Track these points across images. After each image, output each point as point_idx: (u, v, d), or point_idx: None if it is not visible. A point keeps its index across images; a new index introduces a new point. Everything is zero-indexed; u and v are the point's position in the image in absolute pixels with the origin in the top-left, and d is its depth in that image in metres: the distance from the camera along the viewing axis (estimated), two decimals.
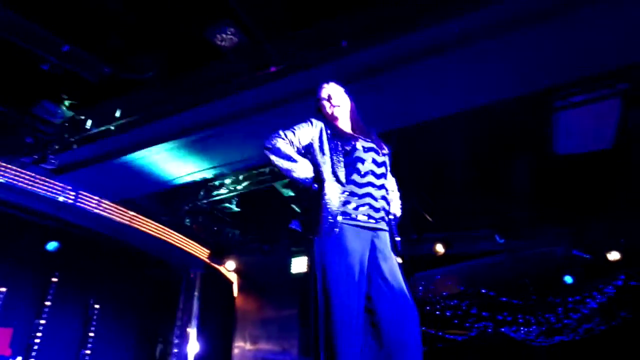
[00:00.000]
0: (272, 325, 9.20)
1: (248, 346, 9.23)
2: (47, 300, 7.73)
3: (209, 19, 4.29)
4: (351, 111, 2.41)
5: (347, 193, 2.11)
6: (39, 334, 7.50)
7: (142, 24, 4.37)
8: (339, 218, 2.05)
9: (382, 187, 2.21)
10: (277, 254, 8.81)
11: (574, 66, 4.34)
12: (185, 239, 8.51)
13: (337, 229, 2.03)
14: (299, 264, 8.49)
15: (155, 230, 7.97)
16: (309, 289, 2.06)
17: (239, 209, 7.82)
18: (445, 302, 8.97)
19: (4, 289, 7.07)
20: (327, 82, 2.43)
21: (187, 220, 8.01)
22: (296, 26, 4.48)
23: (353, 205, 2.09)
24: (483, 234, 7.45)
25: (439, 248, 7.79)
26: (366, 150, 2.21)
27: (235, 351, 9.17)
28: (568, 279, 8.09)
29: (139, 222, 7.70)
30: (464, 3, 3.86)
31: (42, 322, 7.59)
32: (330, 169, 2.14)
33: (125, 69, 4.79)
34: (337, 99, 2.35)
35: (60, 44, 4.24)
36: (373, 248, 2.13)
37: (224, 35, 4.41)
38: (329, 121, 2.33)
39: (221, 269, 9.34)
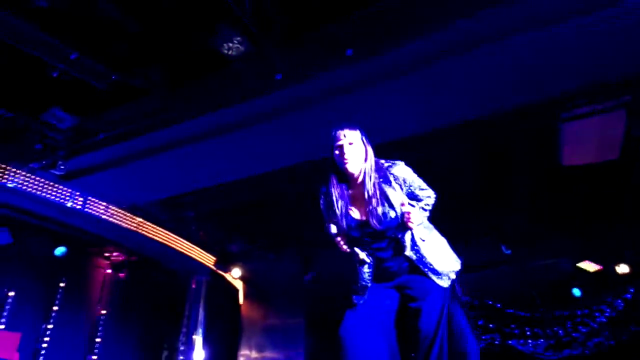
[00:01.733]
0: (277, 334, 9.17)
1: (254, 354, 9.21)
2: (55, 305, 7.80)
3: (215, 28, 4.35)
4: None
5: None
6: (46, 339, 7.56)
7: (149, 32, 4.44)
8: None
9: None
10: (282, 262, 8.81)
11: (579, 77, 4.33)
12: (192, 245, 8.56)
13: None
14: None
15: (162, 237, 8.02)
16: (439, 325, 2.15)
17: (245, 217, 7.84)
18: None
19: (12, 293, 7.15)
20: (341, 129, 2.24)
21: (194, 227, 8.06)
22: (302, 34, 4.52)
23: None
24: (489, 245, 7.39)
25: None
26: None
27: (241, 359, 9.15)
28: (576, 292, 7.98)
29: (146, 228, 7.77)
30: (468, 7, 3.86)
31: (50, 326, 7.66)
32: None
33: (132, 76, 4.86)
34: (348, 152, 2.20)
35: (68, 52, 4.33)
36: None
37: (229, 44, 4.47)
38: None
39: (227, 276, 9.36)
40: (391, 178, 2.20)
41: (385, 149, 5.44)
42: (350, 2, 4.22)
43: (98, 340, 8.30)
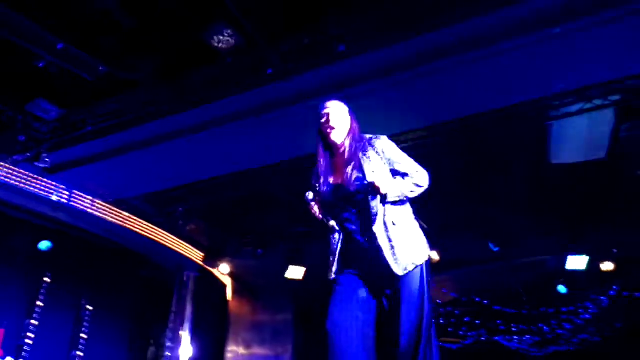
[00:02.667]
0: (266, 330, 9.16)
1: (241, 350, 9.17)
2: (39, 301, 7.68)
3: (207, 21, 4.29)
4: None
5: None
6: (30, 335, 7.44)
7: (139, 24, 4.36)
8: None
9: None
10: (271, 258, 8.78)
11: (568, 77, 4.37)
12: (179, 241, 8.48)
13: None
14: (295, 272, 8.41)
15: (149, 232, 7.94)
16: (420, 304, 2.14)
17: (233, 212, 7.80)
18: (439, 310, 8.95)
19: None
20: (328, 100, 2.37)
21: (181, 222, 7.99)
22: (294, 28, 4.49)
23: None
24: (477, 242, 7.44)
25: (433, 255, 7.77)
26: None
27: (229, 355, 9.11)
28: (562, 289, 8.09)
29: (133, 223, 7.68)
30: (462, 8, 3.86)
31: (34, 322, 7.54)
32: None
33: (121, 68, 4.78)
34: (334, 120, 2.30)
35: (55, 42, 4.23)
36: None
37: (221, 37, 4.41)
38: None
39: (215, 272, 9.30)
40: (370, 149, 2.26)
41: None
42: None
43: (83, 336, 8.20)
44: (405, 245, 2.17)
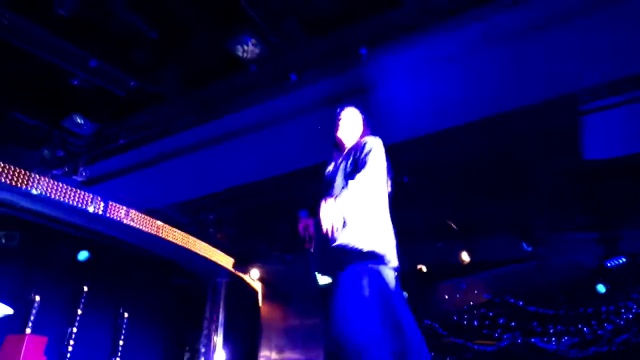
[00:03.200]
0: (297, 334, 9.19)
1: (274, 355, 9.24)
2: (79, 309, 7.94)
3: (230, 31, 4.38)
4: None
5: None
6: (71, 342, 7.70)
7: (164, 37, 4.49)
8: None
9: None
10: (300, 263, 8.82)
11: (601, 69, 4.24)
12: (211, 248, 8.62)
13: None
14: (325, 278, 8.42)
15: (181, 240, 8.11)
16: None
17: (263, 218, 7.88)
18: (472, 312, 8.79)
19: (38, 298, 7.30)
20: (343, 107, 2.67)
21: (212, 229, 8.12)
22: (316, 34, 4.52)
23: None
24: (509, 241, 7.28)
25: (465, 256, 7.66)
26: None
27: None
28: (601, 288, 7.82)
29: (166, 231, 7.86)
30: (487, 3, 3.81)
31: (75, 330, 7.79)
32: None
33: (150, 82, 4.93)
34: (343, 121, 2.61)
35: (88, 60, 4.40)
36: None
37: (245, 47, 4.49)
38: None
39: (246, 277, 9.41)
40: (359, 146, 2.44)
41: (405, 147, 5.46)
42: (364, 1, 4.21)
43: (121, 342, 8.42)
44: (349, 243, 2.17)
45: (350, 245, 2.14)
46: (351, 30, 4.31)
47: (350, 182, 2.18)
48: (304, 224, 2.38)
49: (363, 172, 2.22)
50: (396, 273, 2.22)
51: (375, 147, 2.38)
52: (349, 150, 2.51)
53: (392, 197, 2.52)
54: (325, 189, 2.44)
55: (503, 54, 4.04)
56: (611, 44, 3.92)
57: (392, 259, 2.19)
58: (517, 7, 3.70)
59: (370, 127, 2.64)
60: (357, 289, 2.03)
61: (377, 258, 2.10)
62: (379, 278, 2.07)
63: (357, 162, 2.32)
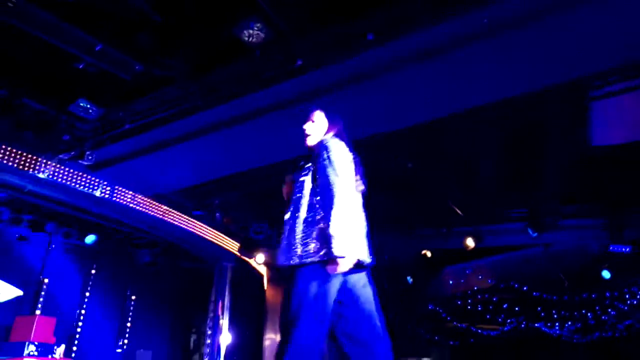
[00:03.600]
0: None
1: (279, 338, 9.35)
2: (87, 292, 8.07)
3: (236, 15, 4.34)
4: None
5: None
6: (80, 324, 7.85)
7: (171, 22, 4.46)
8: None
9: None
10: None
11: (610, 54, 4.18)
12: (216, 232, 8.69)
13: None
14: None
15: (188, 224, 8.17)
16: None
17: (268, 203, 7.91)
18: (476, 297, 8.84)
19: (47, 280, 7.42)
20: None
21: (218, 214, 8.17)
22: (323, 19, 4.47)
23: None
24: (515, 227, 7.28)
25: (469, 242, 7.67)
26: None
27: (267, 342, 9.32)
28: (606, 274, 7.83)
29: (172, 216, 7.91)
30: None
31: (83, 312, 7.93)
32: None
33: (156, 66, 4.91)
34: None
35: (93, 44, 4.39)
36: None
37: (251, 31, 4.45)
38: None
39: (251, 261, 9.49)
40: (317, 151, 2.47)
41: (411, 134, 5.43)
42: None
43: (129, 325, 8.56)
44: (295, 241, 2.24)
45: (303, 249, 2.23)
46: (359, 14, 4.25)
47: (315, 199, 2.32)
48: (288, 188, 2.49)
49: (323, 184, 2.31)
50: (363, 270, 2.34)
51: (330, 152, 2.37)
52: (313, 155, 2.49)
53: (364, 194, 2.55)
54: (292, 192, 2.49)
55: (511, 38, 3.98)
56: (620, 28, 3.85)
57: (352, 259, 2.20)
58: None
59: (338, 126, 2.64)
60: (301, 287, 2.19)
61: (330, 260, 2.15)
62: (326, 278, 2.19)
63: (314, 172, 2.40)
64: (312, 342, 2.10)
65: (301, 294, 2.14)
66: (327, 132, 2.62)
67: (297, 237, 2.24)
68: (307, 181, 2.38)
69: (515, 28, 3.90)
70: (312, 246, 2.19)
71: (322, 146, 2.42)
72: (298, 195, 2.38)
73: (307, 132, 2.63)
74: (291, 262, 2.20)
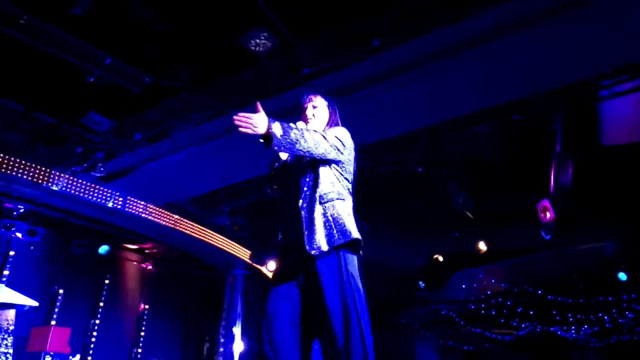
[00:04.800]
0: None
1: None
2: (101, 301, 8.14)
3: (243, 25, 4.38)
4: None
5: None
6: (94, 333, 7.91)
7: (177, 32, 4.52)
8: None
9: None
10: None
11: (619, 54, 4.15)
12: (228, 240, 8.72)
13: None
14: None
15: (199, 233, 8.22)
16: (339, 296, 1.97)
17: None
18: (490, 301, 8.75)
19: (61, 291, 7.51)
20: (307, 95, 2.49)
21: (228, 222, 8.21)
22: (328, 26, 4.50)
23: None
24: (527, 230, 7.19)
25: (481, 246, 7.61)
26: None
27: None
28: (622, 276, 7.70)
29: (183, 225, 7.97)
30: None
31: (97, 321, 8.00)
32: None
33: (164, 77, 4.97)
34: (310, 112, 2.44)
35: (103, 57, 4.47)
36: None
37: (257, 41, 4.49)
38: None
39: (263, 269, 9.50)
40: None
41: (420, 136, 5.41)
42: None
43: (142, 334, 8.61)
44: (325, 225, 2.09)
45: None
46: (364, 21, 4.27)
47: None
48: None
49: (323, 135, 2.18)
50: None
51: (341, 134, 2.26)
52: None
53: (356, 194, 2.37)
54: (287, 180, 2.31)
55: (520, 37, 3.97)
56: (631, 27, 3.82)
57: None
58: None
59: (339, 118, 2.48)
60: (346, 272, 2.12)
61: None
62: None
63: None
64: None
65: (356, 280, 2.03)
66: (329, 120, 2.45)
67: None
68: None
69: (523, 28, 3.88)
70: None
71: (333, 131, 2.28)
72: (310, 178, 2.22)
73: (308, 116, 2.40)
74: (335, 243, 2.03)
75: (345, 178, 2.27)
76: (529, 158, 6.05)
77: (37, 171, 6.12)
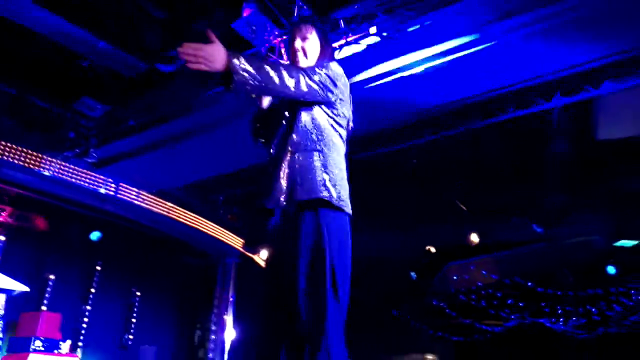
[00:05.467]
0: None
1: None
2: (92, 288, 8.11)
3: (239, 12, 4.34)
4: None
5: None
6: (85, 319, 7.89)
7: (172, 17, 4.47)
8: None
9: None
10: None
11: (613, 49, 4.15)
12: (220, 229, 8.71)
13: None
14: None
15: (192, 221, 8.19)
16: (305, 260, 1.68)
17: None
18: (480, 292, 8.84)
19: (52, 277, 7.47)
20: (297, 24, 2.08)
21: (222, 210, 8.19)
22: (324, 11, 4.46)
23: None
24: (519, 222, 7.26)
25: (473, 237, 7.66)
26: None
27: None
28: (611, 270, 7.81)
29: (176, 212, 7.94)
30: None
31: (88, 308, 7.98)
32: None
33: (158, 62, 4.92)
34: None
35: (96, 42, 4.41)
36: None
37: (253, 27, 4.45)
38: None
39: (255, 258, 9.51)
40: None
41: (416, 129, 5.40)
42: None
43: (134, 320, 8.61)
44: (289, 177, 1.79)
45: None
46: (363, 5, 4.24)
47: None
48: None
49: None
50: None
51: (332, 69, 1.87)
52: None
53: (349, 142, 2.01)
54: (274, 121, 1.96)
55: (515, 30, 3.96)
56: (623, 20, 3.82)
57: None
58: None
59: (331, 51, 2.15)
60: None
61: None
62: None
63: None
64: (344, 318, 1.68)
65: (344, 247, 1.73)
66: (321, 54, 2.03)
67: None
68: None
69: (519, 23, 3.87)
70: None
71: (320, 66, 1.88)
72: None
73: (297, 50, 1.99)
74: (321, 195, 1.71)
75: (338, 123, 1.89)
76: (523, 152, 6.08)
77: (29, 156, 6.05)
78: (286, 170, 1.79)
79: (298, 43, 2.01)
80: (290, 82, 1.70)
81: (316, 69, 1.83)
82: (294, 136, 1.83)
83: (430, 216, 7.76)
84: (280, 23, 4.35)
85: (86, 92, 5.19)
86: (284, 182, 1.78)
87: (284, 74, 1.69)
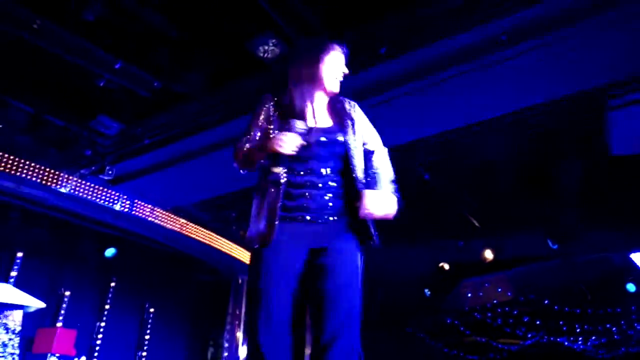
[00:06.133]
0: None
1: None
2: (107, 304, 8.17)
3: (251, 31, 4.42)
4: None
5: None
6: (100, 336, 7.93)
7: (187, 38, 4.57)
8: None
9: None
10: None
11: (630, 63, 4.12)
12: (233, 245, 8.73)
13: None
14: None
15: (205, 237, 8.23)
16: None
17: None
18: (496, 310, 8.68)
19: (68, 293, 7.54)
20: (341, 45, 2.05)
21: (234, 227, 8.23)
22: (336, 33, 4.52)
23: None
24: (534, 239, 7.15)
25: (487, 254, 7.56)
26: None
27: None
28: (631, 287, 7.62)
29: (189, 229, 7.99)
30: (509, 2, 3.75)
31: (103, 324, 8.02)
32: None
33: (173, 82, 5.02)
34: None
35: (113, 61, 4.52)
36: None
37: (266, 47, 4.52)
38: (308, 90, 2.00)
39: None
40: (350, 110, 2.07)
41: (427, 144, 5.40)
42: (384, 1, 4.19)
43: (147, 337, 8.62)
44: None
45: None
46: (372, 28, 4.29)
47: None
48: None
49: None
50: None
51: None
52: (331, 107, 2.03)
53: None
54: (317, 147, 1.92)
55: (530, 46, 3.96)
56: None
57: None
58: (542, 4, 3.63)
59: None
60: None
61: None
62: None
63: (363, 135, 2.02)
64: None
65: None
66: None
67: None
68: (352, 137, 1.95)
69: (533, 36, 3.88)
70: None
71: (354, 111, 2.04)
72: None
73: (342, 76, 2.02)
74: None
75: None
76: (537, 166, 6.02)
77: (46, 173, 6.17)
78: None
79: (345, 68, 2.03)
80: None
81: None
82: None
83: (444, 233, 7.70)
84: (289, 42, 4.41)
85: (102, 111, 5.31)
86: None
87: None
